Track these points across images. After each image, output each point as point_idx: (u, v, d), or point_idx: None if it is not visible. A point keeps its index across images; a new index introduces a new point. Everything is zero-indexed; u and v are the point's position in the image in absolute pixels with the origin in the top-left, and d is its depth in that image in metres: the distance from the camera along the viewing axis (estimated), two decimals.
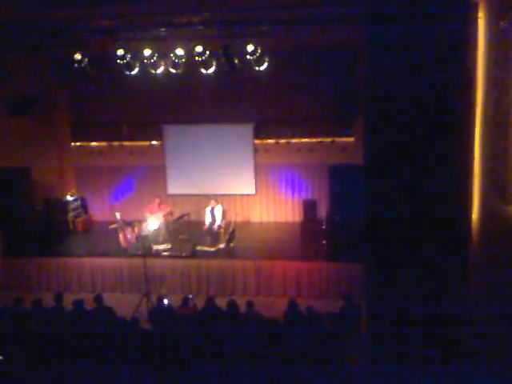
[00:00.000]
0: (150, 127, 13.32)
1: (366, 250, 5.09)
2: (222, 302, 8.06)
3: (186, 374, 6.04)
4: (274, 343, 6.47)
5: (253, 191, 13.27)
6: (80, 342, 6.63)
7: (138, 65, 10.63)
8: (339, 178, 10.61)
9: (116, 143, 13.49)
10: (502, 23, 5.31)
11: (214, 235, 11.29)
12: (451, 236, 4.66)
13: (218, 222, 11.42)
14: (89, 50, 10.54)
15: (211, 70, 10.56)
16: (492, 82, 6.11)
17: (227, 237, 11.09)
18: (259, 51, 9.94)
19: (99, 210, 13.74)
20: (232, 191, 13.22)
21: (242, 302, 7.94)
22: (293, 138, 12.81)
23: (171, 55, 10.35)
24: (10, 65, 11.12)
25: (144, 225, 11.19)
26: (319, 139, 12.67)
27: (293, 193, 13.19)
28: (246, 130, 12.95)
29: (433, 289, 4.71)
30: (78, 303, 7.74)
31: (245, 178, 13.20)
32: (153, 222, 11.01)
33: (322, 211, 12.00)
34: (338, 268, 10.07)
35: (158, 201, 11.84)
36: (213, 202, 11.63)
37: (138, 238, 10.89)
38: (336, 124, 12.57)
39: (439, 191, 4.63)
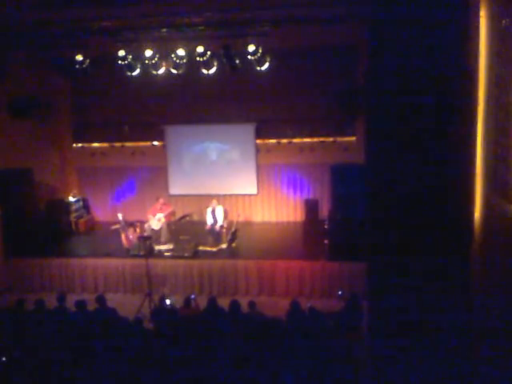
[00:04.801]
0: (151, 128, 13.33)
1: (367, 249, 5.09)
2: (224, 303, 8.06)
3: (187, 374, 6.04)
4: (277, 343, 6.46)
5: (254, 191, 13.27)
6: (83, 342, 6.64)
7: (139, 65, 10.65)
8: (341, 177, 10.59)
9: (118, 144, 13.50)
10: (503, 22, 5.30)
11: (215, 235, 11.29)
12: (453, 235, 4.66)
13: (219, 223, 11.42)
14: (90, 51, 10.58)
15: (212, 71, 10.57)
16: (494, 81, 6.10)
17: (229, 237, 11.10)
18: (260, 51, 9.95)
19: (101, 211, 13.76)
20: (234, 191, 13.22)
21: (244, 302, 7.94)
22: (294, 137, 12.81)
23: (172, 56, 10.36)
24: (11, 66, 11.15)
25: (146, 226, 11.33)
26: (321, 139, 12.67)
27: (294, 193, 13.19)
28: (248, 130, 12.96)
29: (434, 289, 4.70)
30: (81, 304, 7.75)
31: (246, 178, 13.20)
32: (154, 224, 11.24)
33: (324, 211, 12.00)
34: (340, 267, 10.06)
35: (161, 201, 11.86)
36: (214, 203, 11.63)
37: (140, 238, 10.91)
38: (337, 124, 12.57)
39: (441, 190, 4.62)
